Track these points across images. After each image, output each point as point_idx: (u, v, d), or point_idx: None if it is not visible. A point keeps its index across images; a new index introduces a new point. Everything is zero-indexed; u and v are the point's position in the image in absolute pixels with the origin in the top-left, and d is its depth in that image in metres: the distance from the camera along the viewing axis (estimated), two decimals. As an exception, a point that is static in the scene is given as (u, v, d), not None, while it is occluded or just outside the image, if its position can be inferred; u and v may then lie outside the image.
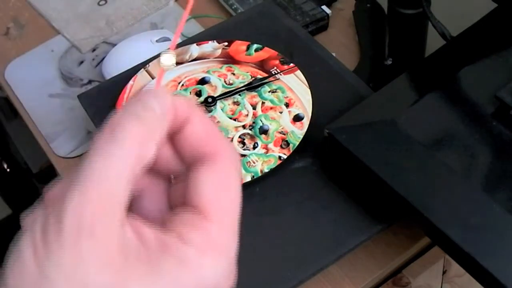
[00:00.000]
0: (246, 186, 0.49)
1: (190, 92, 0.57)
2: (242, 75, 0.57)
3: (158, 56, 0.60)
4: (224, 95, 0.56)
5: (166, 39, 0.69)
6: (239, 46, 0.60)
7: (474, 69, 0.51)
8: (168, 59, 0.27)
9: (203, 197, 0.25)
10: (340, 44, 0.70)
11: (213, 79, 0.57)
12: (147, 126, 0.24)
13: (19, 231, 0.23)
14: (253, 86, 0.56)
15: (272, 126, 0.53)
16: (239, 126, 0.53)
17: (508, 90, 0.46)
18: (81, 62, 0.72)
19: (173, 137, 0.26)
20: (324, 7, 0.71)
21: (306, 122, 0.53)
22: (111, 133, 0.24)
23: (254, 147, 0.52)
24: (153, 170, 0.26)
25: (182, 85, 0.57)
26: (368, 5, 0.71)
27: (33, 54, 0.74)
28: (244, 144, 0.52)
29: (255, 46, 0.60)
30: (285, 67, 0.57)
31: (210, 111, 0.55)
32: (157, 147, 0.24)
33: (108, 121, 0.24)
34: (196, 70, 0.59)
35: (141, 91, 0.30)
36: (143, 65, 0.60)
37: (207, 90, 0.57)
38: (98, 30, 0.75)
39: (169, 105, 0.25)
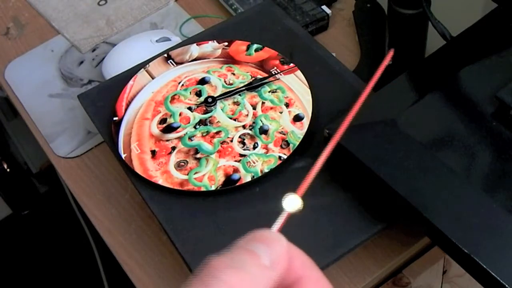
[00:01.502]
0: (246, 186, 0.49)
1: (190, 92, 0.57)
2: (242, 75, 0.57)
3: (158, 55, 0.60)
4: (224, 95, 0.56)
5: (166, 39, 0.69)
6: (239, 46, 0.60)
7: (474, 69, 0.51)
8: (293, 201, 0.26)
9: None
10: (340, 44, 0.70)
11: (213, 79, 0.57)
12: (249, 279, 0.22)
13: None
14: (253, 86, 0.56)
15: (272, 126, 0.53)
16: (239, 126, 0.53)
17: (508, 90, 0.46)
18: (81, 62, 0.72)
19: None
20: (324, 7, 0.71)
21: (306, 122, 0.53)
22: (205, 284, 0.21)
23: (254, 147, 0.52)
24: None
25: (182, 85, 0.57)
26: (368, 5, 0.71)
27: (33, 54, 0.74)
28: (244, 144, 0.52)
29: (255, 46, 0.60)
30: (285, 67, 0.57)
31: (210, 111, 0.55)
32: None
33: (206, 265, 0.22)
34: (196, 70, 0.59)
35: (257, 233, 0.25)
36: (143, 65, 0.60)
37: (207, 90, 0.57)
38: (98, 30, 0.75)
39: (282, 256, 0.23)
